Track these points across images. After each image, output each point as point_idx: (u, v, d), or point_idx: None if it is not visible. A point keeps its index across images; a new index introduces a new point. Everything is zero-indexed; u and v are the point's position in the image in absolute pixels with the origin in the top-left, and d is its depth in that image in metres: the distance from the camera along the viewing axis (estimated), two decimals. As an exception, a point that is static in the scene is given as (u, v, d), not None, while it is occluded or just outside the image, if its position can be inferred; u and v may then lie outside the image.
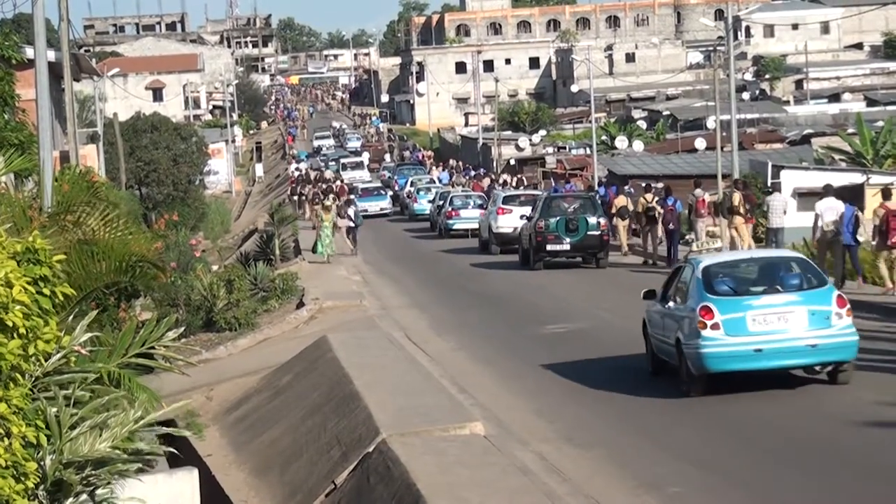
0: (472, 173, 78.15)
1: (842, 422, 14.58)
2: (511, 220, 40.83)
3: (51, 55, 27.63)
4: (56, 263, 7.87)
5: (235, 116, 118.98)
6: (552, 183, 65.27)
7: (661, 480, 12.47)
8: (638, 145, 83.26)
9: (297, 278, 31.43)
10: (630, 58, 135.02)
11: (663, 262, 33.76)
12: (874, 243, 25.31)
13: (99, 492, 7.99)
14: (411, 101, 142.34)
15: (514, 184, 66.59)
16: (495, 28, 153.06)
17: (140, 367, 9.72)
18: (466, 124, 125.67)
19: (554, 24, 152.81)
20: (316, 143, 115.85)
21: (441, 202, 54.30)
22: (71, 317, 9.64)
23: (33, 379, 7.87)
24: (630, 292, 21.77)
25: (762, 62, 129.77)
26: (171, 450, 9.24)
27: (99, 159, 47.00)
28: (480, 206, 49.86)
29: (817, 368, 16.52)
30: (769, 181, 40.67)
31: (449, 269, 38.44)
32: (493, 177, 72.70)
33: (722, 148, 44.97)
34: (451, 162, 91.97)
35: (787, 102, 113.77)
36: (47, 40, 22.07)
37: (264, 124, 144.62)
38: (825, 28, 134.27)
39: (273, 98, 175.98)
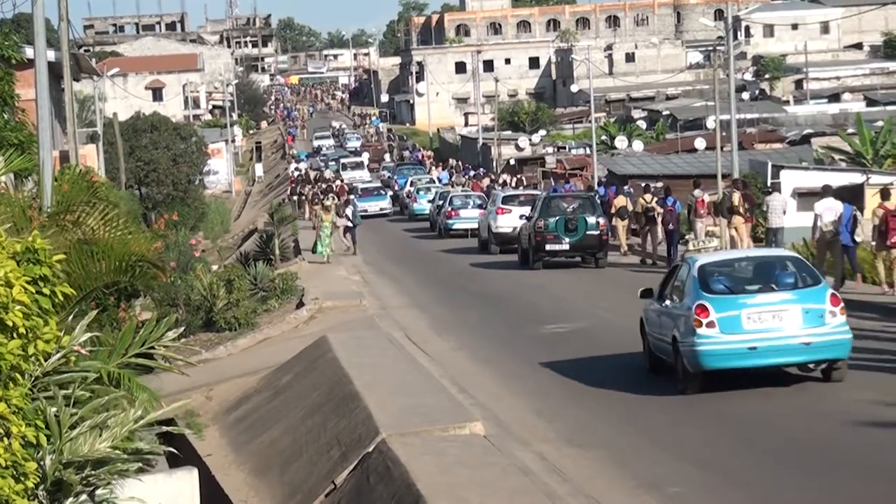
0: (472, 173, 78.11)
1: (842, 422, 14.59)
2: (510, 220, 40.83)
3: (50, 55, 27.64)
4: (56, 263, 7.86)
5: (235, 116, 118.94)
6: (552, 183, 65.23)
7: (662, 480, 12.48)
8: (638, 145, 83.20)
9: (297, 278, 31.44)
10: (630, 58, 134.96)
11: (663, 263, 33.74)
12: (874, 243, 25.33)
13: (99, 492, 7.98)
14: (411, 101, 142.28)
15: (513, 184, 66.62)
16: (495, 28, 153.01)
17: (140, 367, 9.73)
18: (466, 124, 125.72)
19: (554, 24, 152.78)
20: (316, 143, 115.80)
21: (441, 202, 54.25)
22: (71, 317, 9.63)
23: (33, 379, 7.86)
24: (629, 292, 21.76)
25: (762, 62, 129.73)
26: (171, 449, 9.25)
27: (99, 159, 46.97)
28: (480, 206, 49.81)
29: (811, 366, 16.65)
30: (769, 181, 40.65)
31: (449, 269, 38.42)
32: (492, 177, 72.72)
33: (722, 148, 44.92)
34: (451, 162, 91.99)
35: (787, 102, 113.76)
36: (47, 40, 22.07)
37: (264, 124, 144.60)
38: (825, 28, 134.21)
39: (273, 98, 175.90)
